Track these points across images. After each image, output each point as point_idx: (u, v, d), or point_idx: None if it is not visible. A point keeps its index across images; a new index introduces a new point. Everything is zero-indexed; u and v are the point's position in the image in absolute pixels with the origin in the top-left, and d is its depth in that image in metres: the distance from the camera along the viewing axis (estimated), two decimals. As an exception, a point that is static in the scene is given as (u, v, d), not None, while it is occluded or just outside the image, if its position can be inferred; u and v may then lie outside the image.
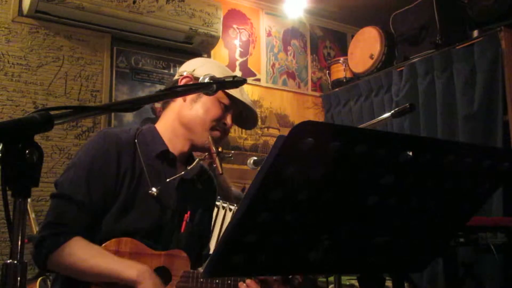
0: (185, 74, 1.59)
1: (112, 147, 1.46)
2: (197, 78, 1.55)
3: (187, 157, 1.64)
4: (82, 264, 1.35)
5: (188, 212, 1.58)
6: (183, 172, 1.55)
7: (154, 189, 1.46)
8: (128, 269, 1.35)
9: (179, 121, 1.58)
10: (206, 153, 1.55)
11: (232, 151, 2.64)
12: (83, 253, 1.36)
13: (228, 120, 1.58)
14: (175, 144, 1.58)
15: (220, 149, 1.51)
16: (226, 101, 1.56)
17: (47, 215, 1.41)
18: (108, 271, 1.35)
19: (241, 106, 1.60)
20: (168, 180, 1.51)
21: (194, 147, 1.61)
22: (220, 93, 1.54)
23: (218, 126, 1.57)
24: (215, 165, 1.52)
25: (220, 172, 1.52)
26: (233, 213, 2.42)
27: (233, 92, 1.54)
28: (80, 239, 1.37)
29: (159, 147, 1.55)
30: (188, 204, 1.59)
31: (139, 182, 1.47)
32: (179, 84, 1.58)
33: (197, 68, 1.60)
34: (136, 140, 1.52)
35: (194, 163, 1.59)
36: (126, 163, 1.46)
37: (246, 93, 1.64)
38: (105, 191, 1.42)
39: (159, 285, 1.37)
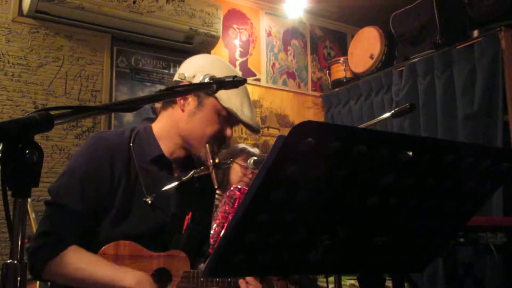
0: (185, 81, 1.51)
1: (105, 152, 1.43)
2: None
3: (184, 160, 1.60)
4: (78, 274, 1.33)
5: (190, 213, 1.56)
6: (176, 183, 1.51)
7: (148, 198, 1.44)
8: (125, 277, 1.32)
9: (176, 132, 1.53)
10: (202, 167, 1.50)
11: (231, 159, 2.57)
12: (79, 262, 1.34)
13: (228, 132, 1.53)
14: (171, 150, 1.55)
15: (217, 160, 1.47)
16: (225, 113, 1.49)
17: (41, 223, 1.40)
18: (105, 280, 1.32)
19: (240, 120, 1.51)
20: (162, 190, 1.47)
21: (190, 153, 1.58)
22: (218, 106, 1.49)
23: (217, 139, 1.52)
24: (209, 174, 1.48)
25: (216, 187, 1.49)
26: None
27: (232, 107, 1.48)
28: (76, 248, 1.35)
29: (154, 151, 1.51)
30: (190, 205, 1.56)
31: (135, 187, 1.45)
32: None
33: (196, 74, 1.49)
34: (131, 144, 1.48)
35: (188, 175, 1.52)
36: (120, 168, 1.43)
37: (248, 104, 1.54)
38: (99, 197, 1.40)
39: None
